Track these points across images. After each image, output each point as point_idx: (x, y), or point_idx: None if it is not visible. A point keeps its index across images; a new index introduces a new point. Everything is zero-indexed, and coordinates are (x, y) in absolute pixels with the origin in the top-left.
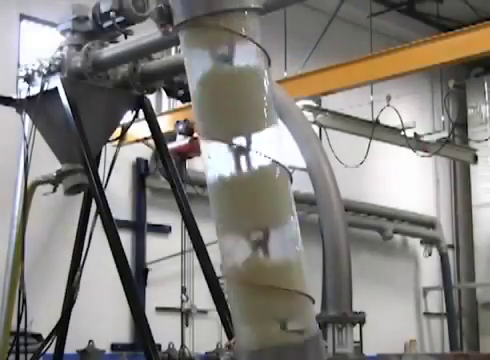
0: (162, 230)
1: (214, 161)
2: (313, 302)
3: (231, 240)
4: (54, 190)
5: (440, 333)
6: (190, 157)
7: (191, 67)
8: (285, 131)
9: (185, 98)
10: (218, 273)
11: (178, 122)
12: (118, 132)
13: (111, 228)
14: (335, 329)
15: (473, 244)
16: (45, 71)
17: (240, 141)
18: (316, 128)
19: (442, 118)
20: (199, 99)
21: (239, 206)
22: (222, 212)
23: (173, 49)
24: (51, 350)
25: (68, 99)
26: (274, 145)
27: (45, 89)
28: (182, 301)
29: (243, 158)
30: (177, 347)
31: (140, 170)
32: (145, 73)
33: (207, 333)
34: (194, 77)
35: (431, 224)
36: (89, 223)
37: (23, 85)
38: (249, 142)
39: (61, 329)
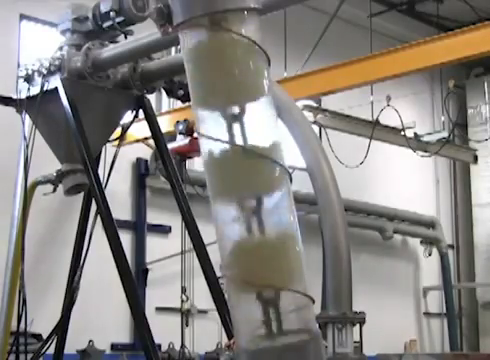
0: (162, 230)
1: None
2: (313, 302)
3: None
4: (54, 190)
5: (440, 333)
6: (190, 157)
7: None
8: (285, 131)
9: (185, 98)
10: (218, 273)
11: (178, 122)
12: (118, 132)
13: (111, 228)
14: (335, 329)
15: (473, 244)
16: (45, 71)
17: (234, 110)
18: (316, 128)
19: (442, 118)
20: (194, 69)
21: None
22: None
23: (173, 49)
24: (51, 350)
25: (68, 99)
26: (267, 114)
27: (45, 89)
28: (182, 301)
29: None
30: (177, 347)
31: (140, 170)
32: (145, 73)
33: (207, 333)
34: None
35: (431, 224)
36: (89, 223)
37: (23, 85)
38: (243, 111)
39: (61, 329)
